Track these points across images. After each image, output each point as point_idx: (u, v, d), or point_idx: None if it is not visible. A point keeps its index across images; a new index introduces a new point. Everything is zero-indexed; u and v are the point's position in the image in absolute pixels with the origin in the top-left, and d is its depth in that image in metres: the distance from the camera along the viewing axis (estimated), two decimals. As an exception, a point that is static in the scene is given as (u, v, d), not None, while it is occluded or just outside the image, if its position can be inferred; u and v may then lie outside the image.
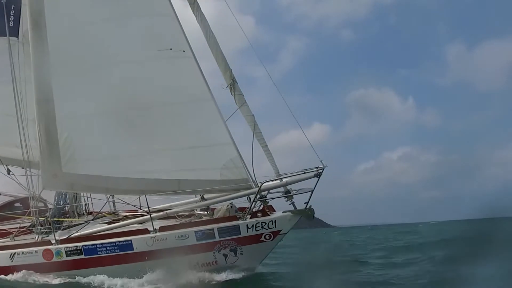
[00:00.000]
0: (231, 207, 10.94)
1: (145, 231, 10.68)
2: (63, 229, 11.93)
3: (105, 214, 12.95)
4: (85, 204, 13.31)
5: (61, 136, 11.10)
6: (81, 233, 11.17)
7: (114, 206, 13.37)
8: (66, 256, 10.94)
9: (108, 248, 10.77)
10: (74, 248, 10.92)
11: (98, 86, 10.85)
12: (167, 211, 11.00)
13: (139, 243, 10.61)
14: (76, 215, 12.88)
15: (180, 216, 11.49)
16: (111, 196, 12.80)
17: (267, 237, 10.52)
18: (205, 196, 11.33)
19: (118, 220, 11.93)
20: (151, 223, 10.63)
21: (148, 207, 10.77)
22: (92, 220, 12.34)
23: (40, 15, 10.84)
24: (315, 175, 10.12)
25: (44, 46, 10.90)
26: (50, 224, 11.45)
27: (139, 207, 11.57)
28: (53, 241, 11.07)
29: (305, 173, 10.12)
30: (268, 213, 10.62)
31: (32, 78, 11.03)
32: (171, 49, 10.65)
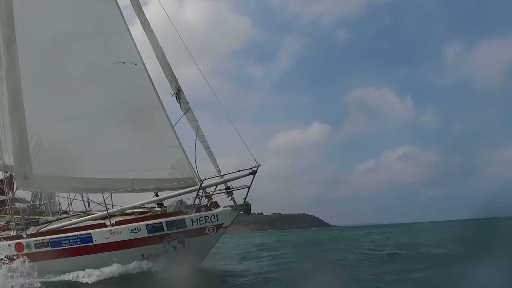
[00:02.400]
0: (180, 203, 12.11)
1: (103, 225, 11.93)
2: (37, 225, 13.24)
3: (78, 213, 14.25)
4: (59, 203, 14.62)
5: (31, 141, 12.49)
6: (48, 227, 12.47)
7: (89, 205, 14.66)
8: (35, 248, 12.26)
9: (71, 240, 12.05)
10: (41, 241, 12.24)
11: (61, 95, 12.23)
12: (122, 207, 12.21)
13: (97, 236, 11.87)
14: (50, 213, 14.20)
15: (138, 213, 12.72)
16: (85, 196, 14.18)
17: (210, 230, 11.65)
18: (159, 193, 12.52)
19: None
20: (114, 219, 11.92)
21: (105, 204, 12.04)
22: (66, 217, 13.64)
23: (11, 37, 12.32)
24: (250, 173, 11.24)
25: (15, 61, 12.37)
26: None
27: (103, 204, 12.79)
28: (25, 236, 12.41)
29: (240, 171, 11.25)
30: (212, 208, 11.75)
31: (5, 89, 12.46)
32: (124, 62, 11.99)
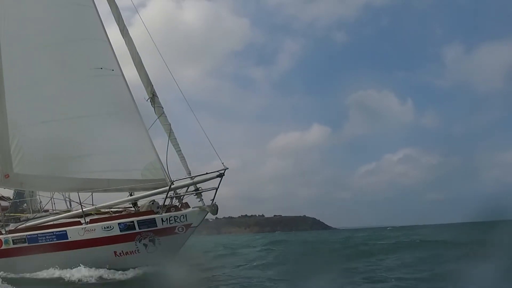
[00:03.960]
0: (153, 203, 12.62)
1: (78, 223, 12.48)
2: (17, 222, 13.81)
3: (59, 211, 14.79)
4: (40, 202, 15.17)
5: (12, 142, 13.08)
6: (26, 224, 13.03)
7: (70, 204, 15.19)
8: (13, 244, 12.81)
9: (47, 237, 12.60)
10: (19, 237, 12.80)
11: (41, 99, 12.82)
12: (96, 206, 12.74)
13: (72, 233, 12.41)
14: (31, 211, 14.76)
15: (114, 212, 13.25)
16: (66, 194, 14.73)
17: (180, 229, 12.17)
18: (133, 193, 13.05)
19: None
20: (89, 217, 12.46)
21: (81, 203, 12.57)
22: (46, 215, 14.19)
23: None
24: (218, 176, 11.76)
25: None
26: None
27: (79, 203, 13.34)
28: (4, 232, 12.98)
29: (207, 173, 11.78)
30: (182, 209, 12.27)
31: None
32: (101, 68, 12.55)
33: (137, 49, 12.84)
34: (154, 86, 12.77)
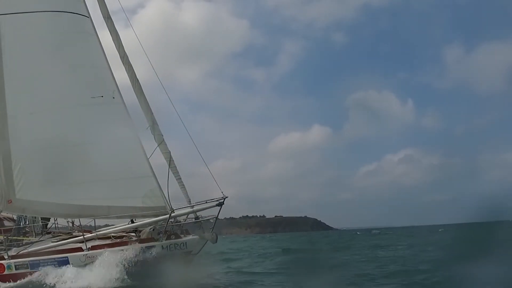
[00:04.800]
0: (153, 230, 12.78)
1: (80, 249, 12.64)
2: (19, 246, 13.98)
3: (61, 233, 14.97)
4: (43, 225, 15.32)
5: (15, 167, 13.24)
6: (28, 250, 13.19)
7: (73, 224, 15.38)
8: (16, 269, 12.98)
9: (49, 263, 12.75)
10: (22, 263, 12.95)
11: (42, 126, 12.98)
12: (98, 233, 12.92)
13: (74, 259, 12.57)
14: (34, 234, 14.92)
15: (114, 237, 13.41)
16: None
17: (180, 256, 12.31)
18: (135, 220, 13.22)
19: (65, 239, 13.92)
20: (94, 243, 12.62)
21: (82, 229, 12.75)
22: (49, 238, 14.37)
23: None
24: (217, 205, 11.91)
25: (2, 96, 13.12)
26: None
27: (80, 229, 13.53)
28: (6, 257, 13.15)
29: (206, 202, 11.95)
30: (182, 236, 12.44)
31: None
32: (102, 96, 12.71)
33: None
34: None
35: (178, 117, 13.12)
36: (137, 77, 13.01)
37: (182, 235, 12.50)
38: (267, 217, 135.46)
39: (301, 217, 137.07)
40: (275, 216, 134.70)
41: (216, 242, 12.23)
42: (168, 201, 12.52)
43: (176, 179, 12.55)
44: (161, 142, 12.71)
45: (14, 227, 14.46)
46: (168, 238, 12.34)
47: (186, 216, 12.69)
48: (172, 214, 12.15)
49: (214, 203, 11.92)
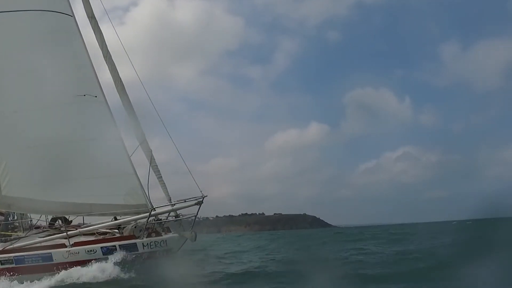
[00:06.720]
0: (135, 227, 13.01)
1: (63, 245, 12.88)
2: (6, 242, 14.22)
3: (48, 229, 15.22)
4: (31, 220, 15.56)
5: (0, 165, 13.47)
6: (13, 245, 13.43)
7: (62, 221, 15.59)
8: (1, 264, 13.23)
9: (33, 258, 12.99)
10: (7, 258, 13.19)
11: (27, 124, 13.20)
12: (80, 230, 13.15)
13: (57, 255, 12.81)
14: (22, 229, 15.17)
15: (98, 233, 13.65)
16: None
17: (160, 254, 12.56)
18: (117, 217, 13.46)
19: (52, 234, 14.17)
20: (78, 238, 12.86)
21: (65, 226, 12.99)
22: (36, 233, 14.61)
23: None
24: (196, 203, 12.14)
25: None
26: None
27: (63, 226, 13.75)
28: None
29: (185, 201, 12.16)
30: (162, 234, 12.67)
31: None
32: (85, 95, 12.92)
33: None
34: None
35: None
36: (120, 76, 13.22)
37: (163, 233, 12.72)
38: (266, 214, 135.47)
39: (300, 214, 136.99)
40: (274, 214, 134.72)
41: (195, 240, 12.45)
42: (148, 199, 12.75)
43: (157, 178, 12.78)
44: (142, 142, 12.92)
45: (2, 222, 14.71)
46: (149, 235, 12.58)
47: (167, 214, 12.91)
48: (153, 212, 12.37)
49: (193, 202, 12.14)
